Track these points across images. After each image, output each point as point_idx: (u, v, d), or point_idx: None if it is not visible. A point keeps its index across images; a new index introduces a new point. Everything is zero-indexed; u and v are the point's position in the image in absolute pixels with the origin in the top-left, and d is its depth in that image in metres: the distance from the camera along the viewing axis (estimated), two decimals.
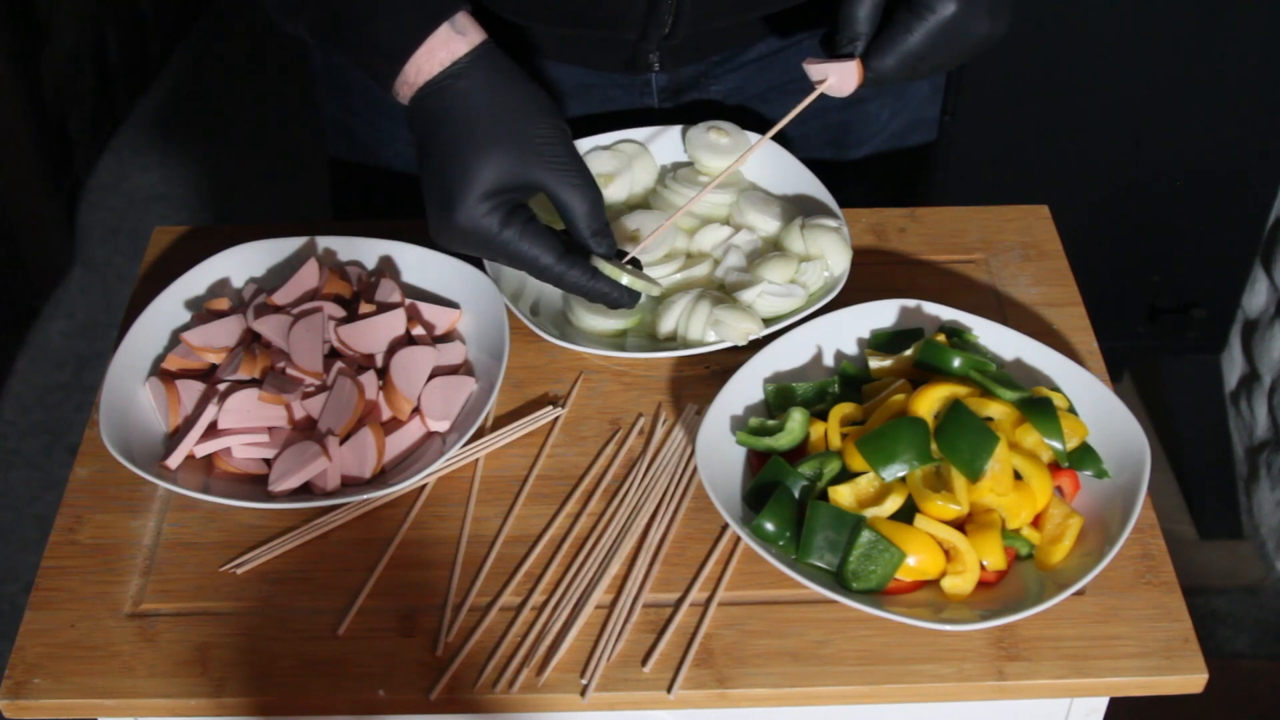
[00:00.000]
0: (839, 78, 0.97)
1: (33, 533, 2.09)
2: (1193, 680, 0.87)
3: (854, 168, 1.25)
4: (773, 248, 1.10)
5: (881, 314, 1.02)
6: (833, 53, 0.98)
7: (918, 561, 0.87)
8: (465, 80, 0.93)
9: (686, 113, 1.20)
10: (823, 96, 0.99)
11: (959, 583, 0.88)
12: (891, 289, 1.07)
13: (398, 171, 1.23)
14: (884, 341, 1.01)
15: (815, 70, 0.98)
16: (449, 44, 0.93)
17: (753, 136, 1.14)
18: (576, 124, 1.12)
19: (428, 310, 1.04)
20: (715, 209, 1.12)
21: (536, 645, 0.88)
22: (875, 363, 0.99)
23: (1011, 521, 0.90)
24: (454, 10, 0.93)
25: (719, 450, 0.94)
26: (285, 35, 1.05)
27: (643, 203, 1.14)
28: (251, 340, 1.01)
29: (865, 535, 0.87)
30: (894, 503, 0.89)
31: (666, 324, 1.04)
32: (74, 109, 2.56)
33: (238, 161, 2.73)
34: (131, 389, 0.99)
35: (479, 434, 1.00)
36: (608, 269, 0.97)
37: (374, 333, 1.00)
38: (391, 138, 1.22)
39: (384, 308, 1.02)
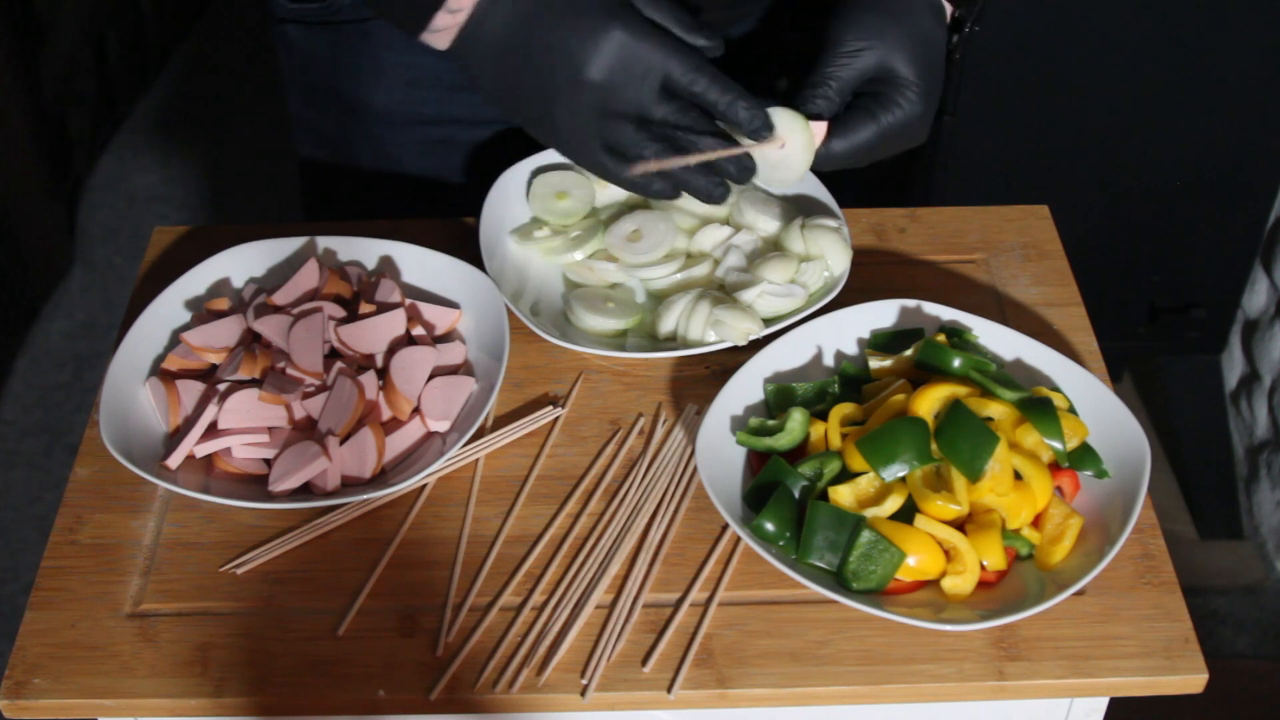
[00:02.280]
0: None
1: (33, 533, 2.09)
2: (1193, 680, 0.87)
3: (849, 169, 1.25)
4: (773, 248, 1.09)
5: (881, 314, 1.02)
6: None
7: (918, 561, 0.87)
8: None
9: None
10: None
11: (959, 583, 0.88)
12: (891, 289, 1.07)
13: (365, 170, 1.23)
14: (884, 341, 1.01)
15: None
16: None
17: None
18: None
19: (428, 310, 1.04)
20: (715, 209, 1.12)
21: (536, 645, 0.88)
22: (875, 363, 0.99)
23: (1011, 521, 0.90)
24: None
25: (719, 450, 0.94)
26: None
27: (642, 202, 1.14)
28: (251, 340, 1.01)
29: (865, 535, 0.87)
30: (894, 503, 0.89)
31: (666, 324, 1.04)
32: (74, 109, 2.56)
33: (238, 161, 2.74)
34: (131, 389, 0.99)
35: (479, 434, 1.00)
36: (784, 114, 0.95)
37: (374, 333, 1.00)
38: (363, 135, 1.22)
39: (384, 308, 1.02)
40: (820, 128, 0.96)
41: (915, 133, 0.98)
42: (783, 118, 0.96)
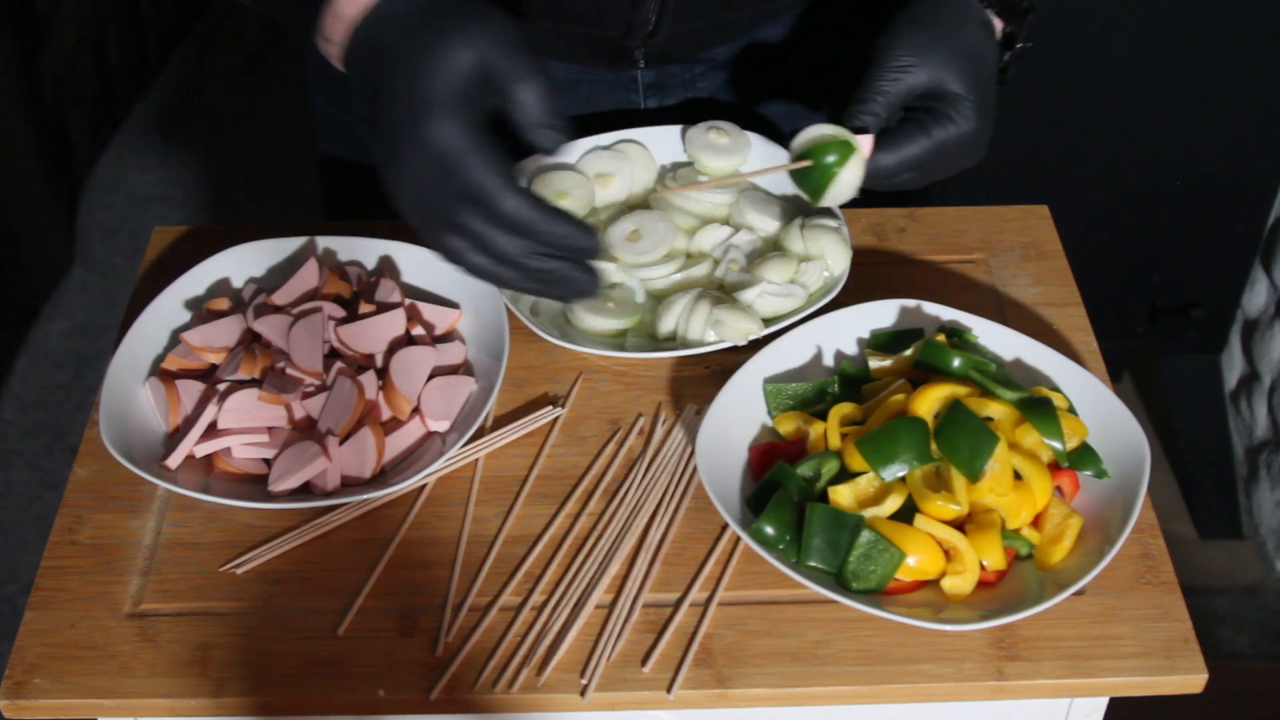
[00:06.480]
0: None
1: (33, 533, 2.09)
2: (1193, 680, 0.87)
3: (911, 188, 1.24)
4: (773, 248, 1.10)
5: (881, 314, 1.02)
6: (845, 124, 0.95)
7: (918, 561, 0.87)
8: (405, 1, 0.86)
9: (674, 111, 1.20)
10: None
11: (959, 583, 0.88)
12: (891, 289, 1.07)
13: None
14: (884, 341, 1.01)
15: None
16: None
17: (752, 136, 1.14)
18: None
19: (428, 310, 1.04)
20: (715, 209, 1.12)
21: (536, 645, 0.88)
22: (875, 363, 0.99)
23: (1011, 521, 0.90)
24: None
25: (719, 450, 0.94)
26: (284, 35, 1.04)
27: (642, 203, 1.14)
28: (251, 340, 1.01)
29: (865, 535, 0.87)
30: (894, 503, 0.89)
31: (666, 324, 1.04)
32: (74, 109, 2.56)
33: (238, 161, 2.74)
34: (131, 389, 0.99)
35: (479, 434, 1.00)
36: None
37: (374, 333, 1.00)
38: None
39: (384, 308, 1.02)
40: (866, 141, 0.95)
41: (972, 149, 0.96)
42: (826, 134, 0.95)
